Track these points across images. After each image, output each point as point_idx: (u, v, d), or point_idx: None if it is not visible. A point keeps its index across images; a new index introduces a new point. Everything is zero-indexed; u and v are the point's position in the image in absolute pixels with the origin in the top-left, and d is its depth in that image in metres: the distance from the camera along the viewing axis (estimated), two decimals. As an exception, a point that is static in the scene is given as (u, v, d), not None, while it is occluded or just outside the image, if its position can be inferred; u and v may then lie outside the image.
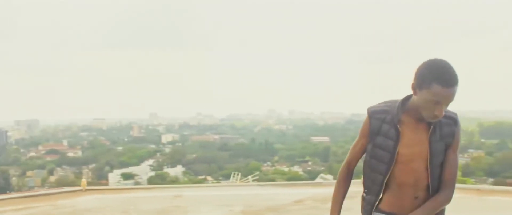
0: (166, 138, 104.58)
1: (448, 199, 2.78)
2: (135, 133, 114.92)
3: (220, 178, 64.13)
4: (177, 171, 72.96)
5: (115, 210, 9.12)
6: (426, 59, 2.63)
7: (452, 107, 2.64)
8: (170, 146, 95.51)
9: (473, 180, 47.05)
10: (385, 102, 2.84)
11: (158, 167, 77.12)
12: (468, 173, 60.74)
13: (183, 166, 76.72)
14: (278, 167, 73.76)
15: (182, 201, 10.09)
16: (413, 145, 2.71)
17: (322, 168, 70.50)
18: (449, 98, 2.55)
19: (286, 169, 71.14)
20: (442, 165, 2.75)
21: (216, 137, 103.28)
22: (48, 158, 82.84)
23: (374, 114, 2.80)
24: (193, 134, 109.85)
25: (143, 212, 9.01)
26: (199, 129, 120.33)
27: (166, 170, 74.23)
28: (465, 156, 75.28)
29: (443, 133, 2.72)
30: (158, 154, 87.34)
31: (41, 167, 77.03)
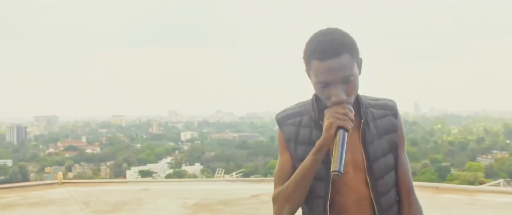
0: (185, 135, 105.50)
1: (420, 208, 2.10)
2: (154, 130, 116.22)
3: (238, 176, 64.89)
4: (195, 168, 73.75)
5: (78, 201, 9.88)
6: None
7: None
8: (189, 143, 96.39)
9: (506, 182, 46.99)
10: (296, 104, 2.14)
11: (176, 165, 78.00)
12: (492, 174, 60.52)
13: (201, 163, 77.46)
14: (297, 166, 74.25)
15: (145, 194, 10.84)
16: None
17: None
18: (333, 73, 1.87)
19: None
20: (391, 172, 2.04)
21: (235, 135, 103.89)
22: (67, 154, 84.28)
23: (284, 120, 2.10)
24: (212, 132, 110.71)
25: (102, 203, 9.75)
26: (218, 126, 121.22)
27: (184, 167, 75.04)
28: (489, 157, 75.06)
29: (379, 128, 2.04)
30: (176, 152, 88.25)
31: (60, 163, 78.31)
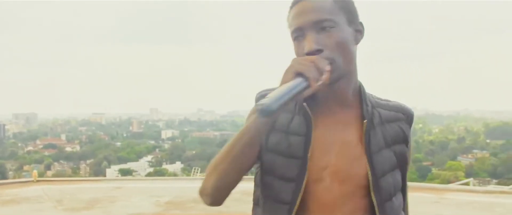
0: (165, 133, 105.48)
1: None
2: (134, 128, 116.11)
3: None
4: (176, 167, 73.73)
5: (51, 199, 10.07)
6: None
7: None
8: (169, 142, 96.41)
9: (476, 181, 47.54)
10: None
11: (157, 163, 78.05)
12: (472, 173, 61.12)
13: (182, 162, 77.43)
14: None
15: (118, 192, 11.04)
16: (335, 152, 1.52)
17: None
18: (303, 16, 1.48)
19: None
20: (399, 194, 1.59)
21: (217, 133, 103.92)
22: (46, 152, 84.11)
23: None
24: (193, 130, 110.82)
25: (76, 201, 9.95)
26: (200, 125, 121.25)
27: (165, 166, 75.07)
28: (470, 156, 75.83)
29: (388, 133, 1.57)
30: (157, 150, 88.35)
31: (39, 161, 78.07)
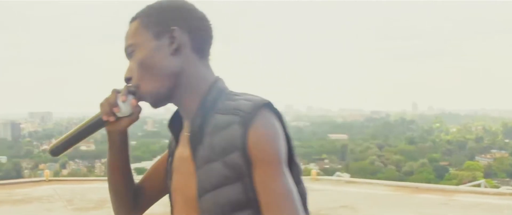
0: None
1: None
2: (149, 127, 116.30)
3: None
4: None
5: (62, 198, 10.28)
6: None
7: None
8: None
9: (495, 181, 47.24)
10: None
11: (171, 162, 78.28)
12: (490, 174, 60.83)
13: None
14: (293, 164, 74.27)
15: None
16: (176, 170, 1.52)
17: (339, 166, 70.84)
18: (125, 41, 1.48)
19: (302, 167, 71.60)
20: (236, 213, 1.32)
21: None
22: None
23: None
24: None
25: (86, 201, 10.13)
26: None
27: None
28: (488, 156, 75.29)
29: (215, 144, 1.34)
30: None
31: (54, 160, 78.44)
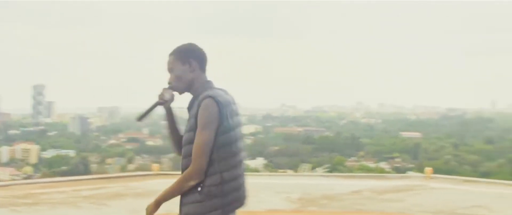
0: (248, 128, 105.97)
1: (190, 175, 2.98)
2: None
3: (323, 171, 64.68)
4: (257, 163, 73.74)
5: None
6: None
7: None
8: (252, 137, 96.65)
9: None
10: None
11: (233, 160, 78.29)
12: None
13: (265, 158, 77.52)
14: (364, 162, 73.54)
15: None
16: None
17: (411, 165, 69.74)
18: (166, 67, 3.21)
19: (373, 165, 70.80)
20: (191, 144, 2.98)
21: (300, 129, 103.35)
22: (128, 146, 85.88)
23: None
24: (276, 126, 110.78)
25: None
26: (283, 120, 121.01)
27: (247, 161, 75.31)
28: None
29: (192, 113, 3.05)
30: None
31: (121, 154, 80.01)
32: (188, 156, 3.01)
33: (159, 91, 3.16)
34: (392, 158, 77.83)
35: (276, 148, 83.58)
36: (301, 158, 76.06)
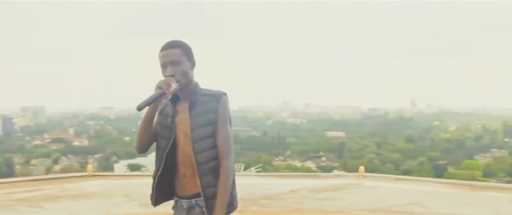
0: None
1: (229, 169, 3.06)
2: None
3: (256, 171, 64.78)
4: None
5: (118, 194, 10.15)
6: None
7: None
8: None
9: (494, 180, 47.37)
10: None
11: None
12: (489, 173, 61.14)
13: (192, 157, 77.18)
14: (291, 161, 74.30)
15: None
16: (183, 122, 3.12)
17: (336, 164, 70.96)
18: (166, 57, 3.07)
19: (299, 164, 71.59)
20: (209, 139, 3.05)
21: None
22: (53, 147, 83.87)
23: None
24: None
25: (145, 196, 9.96)
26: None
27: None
28: (487, 155, 75.49)
29: (203, 109, 3.07)
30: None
31: (46, 155, 78.01)
32: (208, 149, 3.06)
33: (162, 80, 3.02)
34: (318, 157, 78.89)
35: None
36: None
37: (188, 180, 3.13)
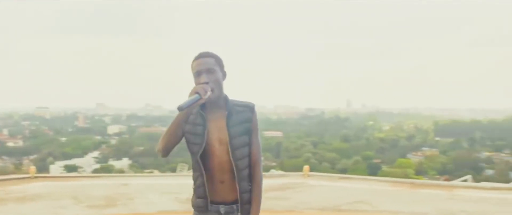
0: (112, 129, 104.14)
1: (261, 175, 3.25)
2: (80, 123, 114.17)
3: (168, 171, 64.31)
4: (123, 163, 72.69)
5: (65, 196, 9.90)
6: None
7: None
8: (116, 137, 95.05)
9: (425, 178, 48.41)
10: None
11: (103, 159, 76.71)
12: (421, 171, 62.52)
13: (130, 158, 76.51)
14: (230, 161, 74.15)
15: (129, 189, 10.92)
16: (217, 130, 3.16)
17: (274, 164, 71.23)
18: (201, 65, 3.11)
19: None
20: (245, 147, 3.17)
21: (165, 129, 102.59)
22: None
23: None
24: (141, 126, 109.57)
25: (92, 198, 9.80)
26: (148, 120, 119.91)
27: (112, 162, 73.82)
28: (419, 154, 77.28)
29: (239, 118, 3.17)
30: (103, 146, 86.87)
31: (-24, 156, 75.89)
32: (245, 157, 3.19)
33: (199, 86, 3.02)
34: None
35: (141, 148, 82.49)
36: (166, 158, 75.25)
37: (226, 186, 3.19)
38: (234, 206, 3.21)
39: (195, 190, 3.27)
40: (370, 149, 77.17)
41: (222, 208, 3.21)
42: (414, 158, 74.17)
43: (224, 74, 3.25)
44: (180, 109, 2.89)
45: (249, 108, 3.24)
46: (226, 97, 3.21)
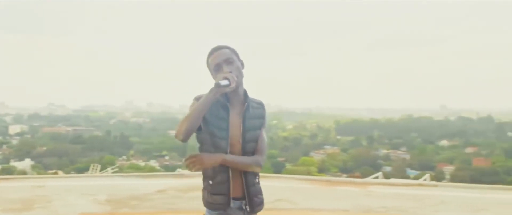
0: (13, 129, 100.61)
1: (258, 162, 3.17)
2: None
3: (72, 172, 62.73)
4: (25, 164, 70.30)
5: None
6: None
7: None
8: (18, 137, 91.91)
9: (328, 175, 49.38)
10: None
11: (4, 160, 74.02)
12: (323, 169, 63.88)
13: (32, 159, 74.17)
14: (134, 161, 73.34)
15: (45, 191, 10.44)
16: (237, 123, 3.19)
17: (179, 163, 70.68)
18: (219, 57, 3.17)
19: (142, 164, 70.82)
20: (254, 143, 3.18)
21: (69, 128, 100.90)
22: None
23: None
24: (44, 125, 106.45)
25: (8, 201, 9.28)
26: (51, 120, 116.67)
27: (13, 163, 71.28)
28: (321, 152, 78.96)
29: (255, 113, 3.25)
30: (4, 146, 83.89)
31: None
32: (253, 151, 3.17)
33: (227, 73, 3.07)
34: (162, 156, 78.66)
35: (44, 148, 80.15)
36: (71, 158, 73.88)
37: (237, 181, 3.16)
38: (245, 201, 3.22)
39: (212, 187, 3.20)
40: (274, 148, 77.94)
41: (237, 203, 3.20)
42: (317, 156, 75.78)
43: (242, 64, 3.28)
44: (217, 85, 2.94)
45: (262, 106, 3.36)
46: (245, 91, 3.26)
